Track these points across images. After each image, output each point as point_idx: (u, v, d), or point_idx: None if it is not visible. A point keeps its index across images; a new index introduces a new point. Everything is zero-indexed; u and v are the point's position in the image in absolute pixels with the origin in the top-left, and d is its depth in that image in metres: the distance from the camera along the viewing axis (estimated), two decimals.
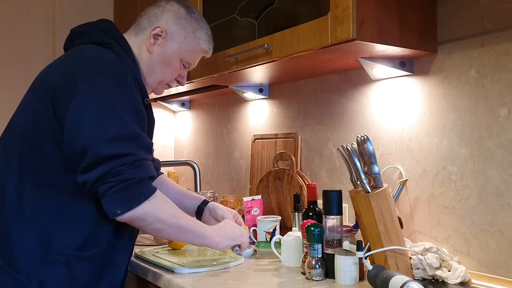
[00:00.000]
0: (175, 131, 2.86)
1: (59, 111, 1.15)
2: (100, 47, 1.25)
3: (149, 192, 1.16)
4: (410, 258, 1.29)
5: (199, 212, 1.58)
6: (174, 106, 2.70)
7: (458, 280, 1.22)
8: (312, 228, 1.31)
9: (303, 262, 1.36)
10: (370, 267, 1.18)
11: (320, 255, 1.31)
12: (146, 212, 1.15)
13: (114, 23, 1.35)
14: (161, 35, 1.34)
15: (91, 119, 1.13)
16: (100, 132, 1.12)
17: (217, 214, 1.53)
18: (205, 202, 1.58)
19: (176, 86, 1.49)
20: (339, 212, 1.31)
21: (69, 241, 1.18)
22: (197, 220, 1.32)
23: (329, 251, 1.31)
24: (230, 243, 1.35)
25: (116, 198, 1.12)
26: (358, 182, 1.29)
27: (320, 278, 1.30)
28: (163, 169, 2.76)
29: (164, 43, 1.35)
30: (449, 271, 1.25)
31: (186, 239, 1.29)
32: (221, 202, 2.20)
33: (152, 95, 2.41)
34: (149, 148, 1.21)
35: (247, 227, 1.62)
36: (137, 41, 1.35)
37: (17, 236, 1.16)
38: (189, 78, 1.87)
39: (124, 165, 1.12)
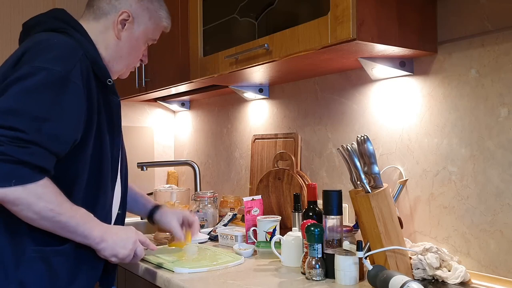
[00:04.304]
0: (175, 131, 2.86)
1: None
2: (53, 32, 1.23)
3: (25, 178, 1.06)
4: (410, 258, 1.29)
5: (151, 218, 1.59)
6: (174, 106, 2.70)
7: (458, 280, 1.22)
8: (312, 228, 1.31)
9: (303, 262, 1.36)
10: (370, 267, 1.18)
11: (320, 255, 1.31)
12: (17, 197, 1.06)
13: (66, 10, 1.31)
14: (128, 20, 1.33)
15: (9, 93, 1.08)
16: (6, 103, 1.07)
17: (164, 225, 1.53)
18: (153, 210, 1.58)
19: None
20: (339, 212, 1.31)
21: (42, 237, 1.16)
22: (88, 217, 1.19)
23: (329, 251, 1.31)
24: (110, 256, 1.24)
25: None
26: (358, 182, 1.29)
27: (320, 278, 1.30)
28: (163, 169, 2.79)
29: (130, 27, 1.34)
30: (449, 271, 1.25)
31: (66, 235, 1.17)
32: (221, 202, 2.21)
33: (152, 95, 2.42)
34: (55, 137, 1.10)
35: (190, 235, 1.59)
36: (98, 26, 1.32)
37: None
38: (189, 78, 1.87)
39: (6, 137, 1.04)
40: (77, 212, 1.17)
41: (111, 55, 1.33)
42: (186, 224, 1.59)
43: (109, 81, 1.27)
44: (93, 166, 1.24)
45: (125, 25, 1.33)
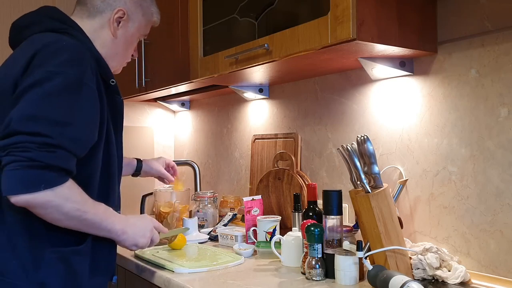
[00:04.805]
0: (175, 131, 2.86)
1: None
2: (56, 33, 1.23)
3: (53, 181, 1.08)
4: (410, 258, 1.29)
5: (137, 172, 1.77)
6: (174, 106, 2.70)
7: (458, 280, 1.22)
8: (312, 228, 1.31)
9: (303, 262, 1.36)
10: (370, 267, 1.18)
11: (320, 255, 1.31)
12: (47, 201, 1.08)
13: (58, 8, 1.31)
14: (123, 17, 1.34)
15: (27, 99, 1.09)
16: (27, 109, 1.08)
17: (153, 174, 1.80)
18: (138, 169, 1.77)
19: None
20: (339, 212, 1.31)
21: (61, 236, 1.17)
22: (109, 212, 1.23)
23: (329, 251, 1.31)
24: (130, 245, 1.29)
25: (14, 175, 1.05)
26: (358, 182, 1.29)
27: (320, 278, 1.30)
28: None
29: (126, 24, 1.36)
30: (449, 271, 1.25)
31: (90, 232, 1.20)
32: (221, 202, 2.21)
33: (152, 95, 2.42)
34: (77, 140, 1.13)
35: (179, 184, 1.88)
36: (93, 23, 1.33)
37: (5, 242, 1.14)
38: (189, 78, 1.87)
39: (34, 143, 1.05)
40: (99, 208, 1.21)
41: (107, 52, 1.34)
42: (169, 168, 1.84)
43: (112, 81, 1.28)
44: (103, 165, 1.26)
45: (120, 22, 1.35)
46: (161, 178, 1.83)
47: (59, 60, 1.14)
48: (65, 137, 1.10)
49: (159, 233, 1.39)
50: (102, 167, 1.25)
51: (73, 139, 1.12)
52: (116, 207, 1.34)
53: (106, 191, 1.28)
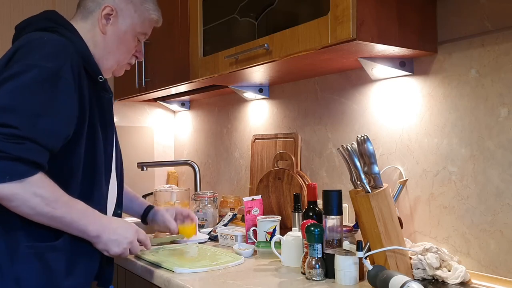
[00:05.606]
0: (175, 131, 2.86)
1: None
2: (44, 31, 1.23)
3: (20, 174, 1.07)
4: (410, 258, 1.29)
5: (144, 220, 1.65)
6: (174, 106, 2.70)
7: (458, 280, 1.22)
8: (312, 228, 1.31)
9: (303, 262, 1.36)
10: (370, 267, 1.18)
11: (320, 255, 1.31)
12: (13, 193, 1.07)
13: (57, 11, 1.33)
14: (112, 14, 1.34)
15: (2, 90, 1.09)
16: None
17: (158, 222, 1.59)
18: (147, 210, 1.63)
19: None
20: (339, 212, 1.31)
21: (36, 232, 1.16)
22: (86, 212, 1.20)
23: (329, 251, 1.31)
24: (102, 250, 1.26)
25: None
26: (358, 182, 1.29)
27: (320, 278, 1.30)
28: (163, 169, 2.79)
29: (116, 21, 1.35)
30: (449, 271, 1.25)
31: (63, 229, 1.18)
32: (221, 202, 2.21)
33: (152, 95, 2.42)
34: (49, 133, 1.11)
35: (195, 225, 1.66)
36: (86, 25, 1.34)
37: None
38: (189, 78, 1.87)
39: (1, 134, 1.05)
40: (73, 207, 1.18)
41: (100, 52, 1.34)
42: (180, 218, 1.67)
43: (100, 78, 1.28)
44: (87, 162, 1.25)
45: (110, 19, 1.35)
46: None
47: (38, 54, 1.14)
48: (36, 130, 1.09)
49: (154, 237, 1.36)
50: (85, 164, 1.24)
51: (45, 132, 1.11)
52: (103, 206, 1.31)
53: (89, 190, 1.25)
